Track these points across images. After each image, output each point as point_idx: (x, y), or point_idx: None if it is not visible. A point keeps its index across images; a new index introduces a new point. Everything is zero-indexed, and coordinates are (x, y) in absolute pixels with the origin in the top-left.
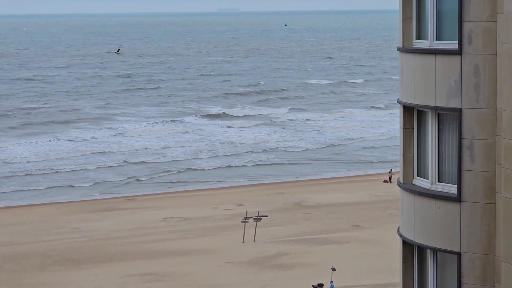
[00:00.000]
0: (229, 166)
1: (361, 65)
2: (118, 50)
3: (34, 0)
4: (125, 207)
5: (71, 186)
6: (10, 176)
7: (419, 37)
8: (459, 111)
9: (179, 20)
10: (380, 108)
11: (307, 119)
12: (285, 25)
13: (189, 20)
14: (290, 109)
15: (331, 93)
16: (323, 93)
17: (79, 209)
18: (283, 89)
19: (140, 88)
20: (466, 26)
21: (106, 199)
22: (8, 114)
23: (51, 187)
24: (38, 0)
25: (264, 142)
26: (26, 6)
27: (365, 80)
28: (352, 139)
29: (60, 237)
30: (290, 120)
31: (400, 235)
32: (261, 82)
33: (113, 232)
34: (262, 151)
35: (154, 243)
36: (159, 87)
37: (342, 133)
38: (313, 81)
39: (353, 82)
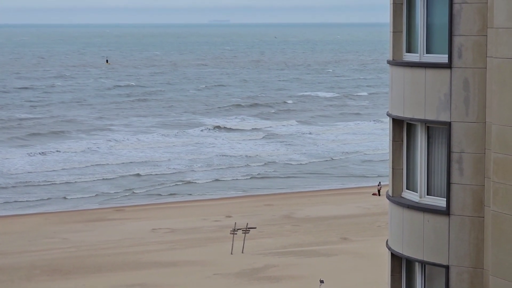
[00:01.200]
0: (223, 179)
1: (361, 78)
2: (107, 60)
3: (28, 10)
4: (114, 218)
5: (65, 198)
6: (4, 187)
7: (409, 50)
8: (448, 124)
9: (172, 31)
10: (384, 122)
11: (308, 132)
12: (275, 37)
13: (182, 32)
14: (291, 122)
15: (334, 106)
16: (326, 106)
17: (68, 219)
18: (285, 102)
19: (139, 99)
20: (456, 40)
21: (94, 209)
22: (3, 124)
23: (44, 199)
24: (32, 10)
25: (261, 155)
26: (21, 16)
27: (370, 93)
28: (350, 152)
29: (48, 247)
30: (291, 133)
31: (389, 248)
32: (262, 94)
33: (102, 242)
34: (262, 164)
35: (142, 254)
36: (158, 98)
37: (341, 146)
38: (315, 94)
39: (357, 95)
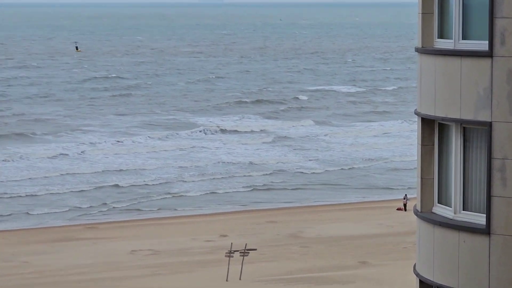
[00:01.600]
0: (219, 192)
1: (387, 69)
2: (77, 47)
3: None
4: (85, 237)
5: (27, 213)
6: None
7: (441, 35)
8: (489, 125)
9: (157, 12)
10: (413, 122)
11: (323, 135)
12: (280, 20)
13: (169, 13)
14: (305, 122)
15: (355, 102)
16: (345, 102)
17: (29, 239)
18: (296, 97)
19: (119, 94)
20: (499, 23)
21: (61, 226)
22: None
23: (3, 215)
24: None
25: (266, 162)
26: None
27: (397, 87)
28: (373, 159)
29: (6, 272)
30: (303, 135)
31: (417, 274)
32: (268, 89)
33: (70, 267)
34: (268, 174)
35: (119, 280)
36: (142, 93)
37: (362, 152)
38: (331, 88)
39: (382, 90)
